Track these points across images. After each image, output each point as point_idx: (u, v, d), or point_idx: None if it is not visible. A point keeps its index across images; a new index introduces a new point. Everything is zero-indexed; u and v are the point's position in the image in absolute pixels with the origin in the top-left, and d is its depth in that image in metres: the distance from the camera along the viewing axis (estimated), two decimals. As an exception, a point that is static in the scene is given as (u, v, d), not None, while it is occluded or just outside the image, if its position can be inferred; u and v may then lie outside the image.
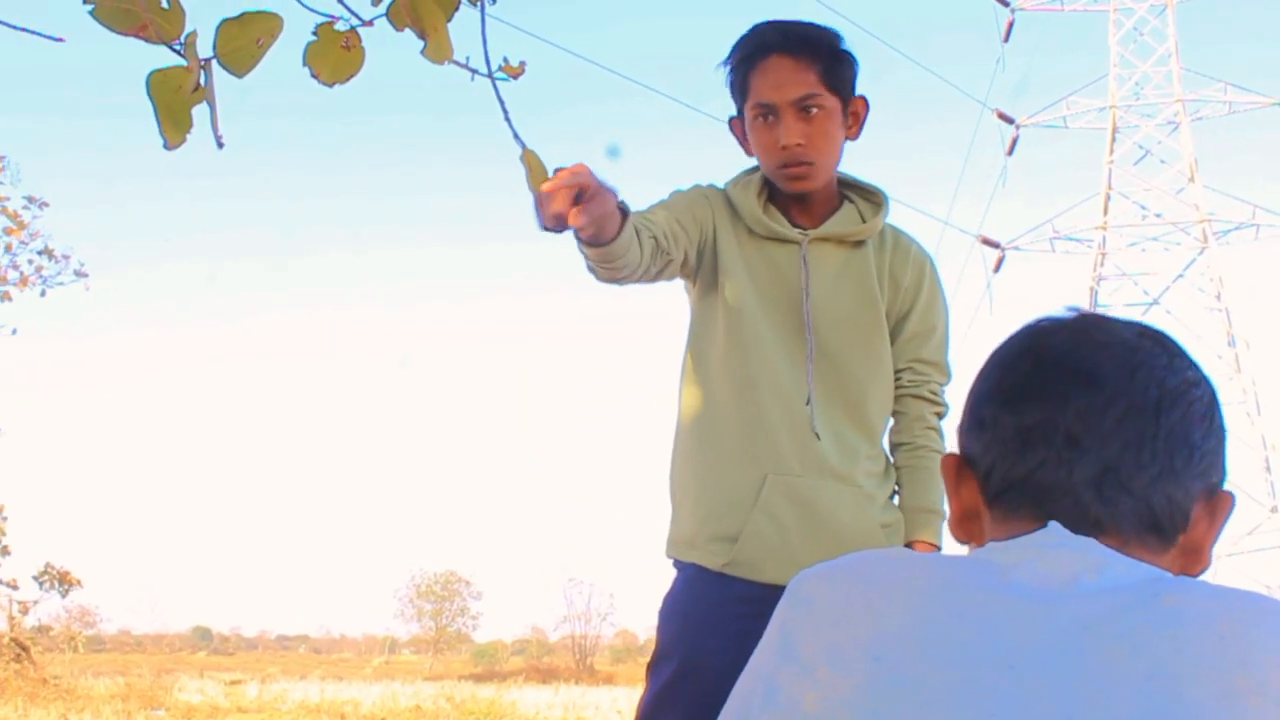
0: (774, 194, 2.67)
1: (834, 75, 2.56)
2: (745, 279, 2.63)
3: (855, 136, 2.63)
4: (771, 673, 1.07)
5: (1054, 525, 1.10)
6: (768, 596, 2.52)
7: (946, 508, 2.59)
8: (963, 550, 1.21)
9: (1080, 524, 1.11)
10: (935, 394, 2.70)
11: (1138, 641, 1.00)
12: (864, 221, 2.66)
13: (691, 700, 2.51)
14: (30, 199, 17.02)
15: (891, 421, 2.72)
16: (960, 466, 1.20)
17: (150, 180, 66.10)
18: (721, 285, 2.63)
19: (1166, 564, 1.13)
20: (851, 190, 2.71)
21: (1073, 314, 1.19)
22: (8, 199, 16.91)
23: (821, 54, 2.56)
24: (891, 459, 2.72)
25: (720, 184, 2.71)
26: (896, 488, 2.70)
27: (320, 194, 68.81)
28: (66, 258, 17.25)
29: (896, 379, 2.68)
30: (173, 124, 1.73)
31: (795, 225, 2.64)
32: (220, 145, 1.71)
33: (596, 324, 68.04)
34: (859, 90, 2.62)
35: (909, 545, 2.60)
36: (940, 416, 2.71)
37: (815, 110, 2.54)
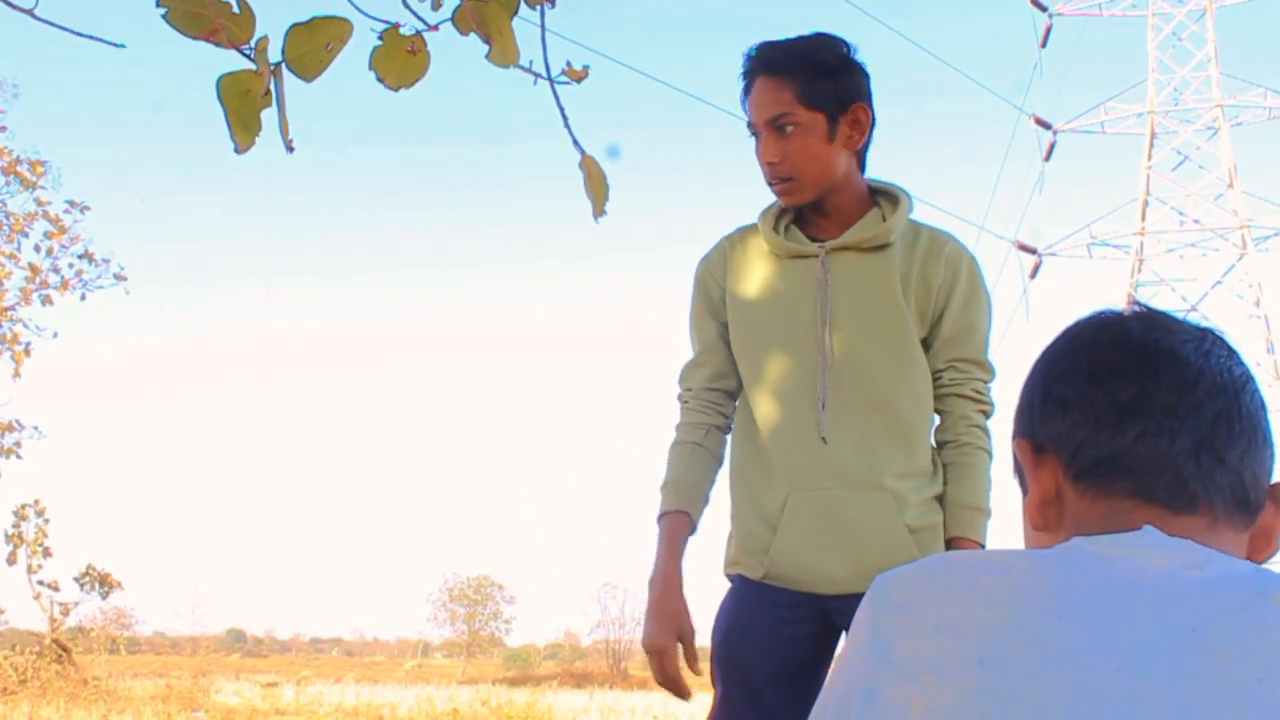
0: (800, 211, 2.72)
1: (813, 91, 2.59)
2: (761, 306, 2.70)
3: (858, 145, 2.65)
4: (867, 678, 1.05)
5: (1149, 528, 1.10)
6: (805, 604, 2.60)
7: (990, 505, 2.62)
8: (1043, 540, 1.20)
9: (1177, 499, 1.12)
10: (979, 392, 2.69)
11: (1247, 644, 0.99)
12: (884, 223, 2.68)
13: (744, 707, 2.61)
14: (71, 203, 17.11)
15: (937, 421, 2.73)
16: (1035, 450, 1.20)
17: (190, 181, 66.55)
18: (736, 324, 2.74)
19: (1246, 548, 1.15)
20: (881, 195, 2.73)
21: (1135, 307, 1.22)
22: (49, 203, 17.03)
23: (799, 72, 2.59)
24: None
25: (729, 233, 2.81)
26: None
27: (364, 203, 69.18)
28: (106, 261, 17.37)
29: (938, 378, 2.68)
30: (242, 128, 1.75)
31: (818, 239, 2.69)
32: (290, 150, 1.73)
33: (637, 326, 68.13)
34: (861, 96, 2.64)
35: (949, 542, 2.62)
36: (986, 415, 2.70)
37: (790, 128, 2.60)
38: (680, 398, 2.80)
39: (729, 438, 2.78)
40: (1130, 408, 1.14)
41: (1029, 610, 1.02)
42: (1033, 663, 0.99)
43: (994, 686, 0.99)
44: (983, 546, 2.61)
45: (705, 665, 2.69)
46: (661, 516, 2.69)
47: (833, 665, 1.15)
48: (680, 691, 2.58)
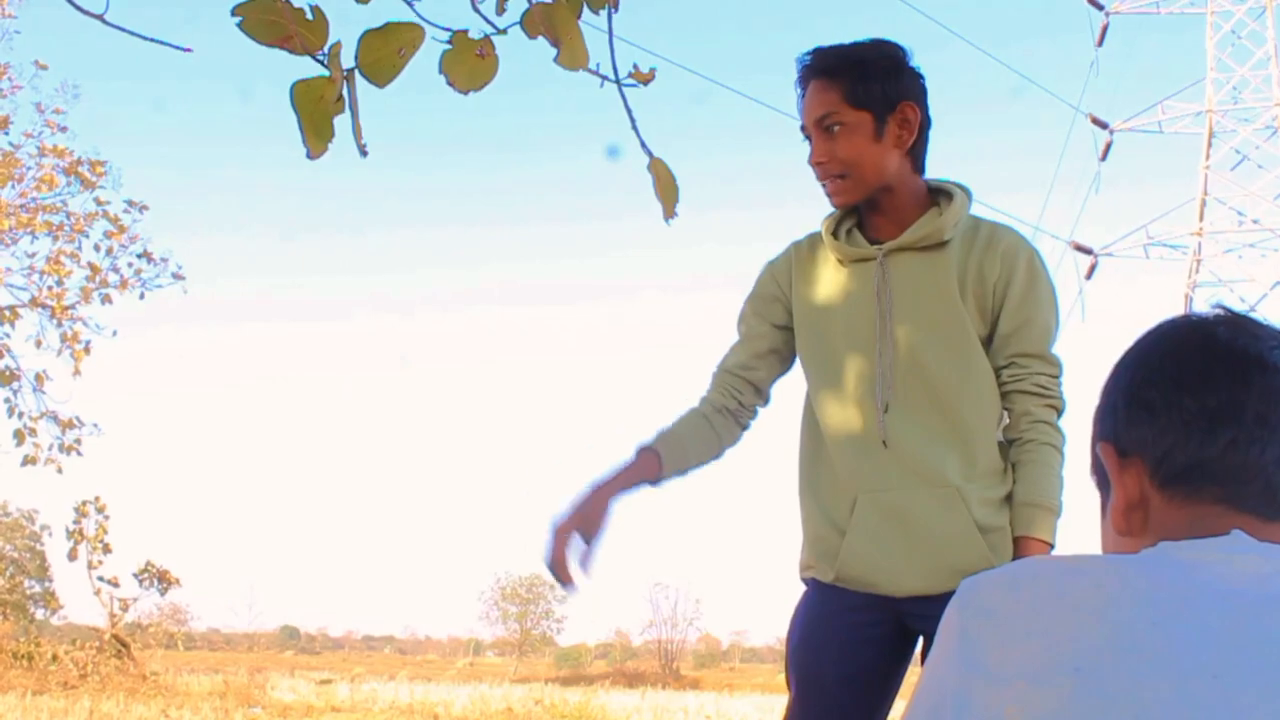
0: (860, 215, 2.73)
1: (859, 90, 2.60)
2: (823, 311, 2.71)
3: (909, 144, 2.64)
4: (958, 684, 1.04)
5: (1237, 533, 1.09)
6: (877, 605, 2.60)
7: (1059, 503, 2.58)
8: (1127, 545, 1.19)
9: (1268, 506, 1.12)
10: (1043, 386, 2.63)
11: None
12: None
13: (817, 710, 2.62)
14: (130, 203, 17.26)
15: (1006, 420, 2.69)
16: (1120, 454, 1.19)
17: (249, 175, 67.11)
18: (801, 331, 2.75)
19: None
20: (939, 194, 2.72)
21: (1219, 311, 1.21)
22: (108, 203, 17.19)
23: (844, 72, 2.61)
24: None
25: (797, 239, 2.83)
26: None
27: (403, 198, 69.49)
28: (165, 260, 17.50)
29: (1000, 375, 2.64)
30: (315, 133, 1.76)
31: (878, 242, 2.68)
32: (364, 154, 1.74)
33: (682, 326, 68.07)
34: (910, 96, 2.63)
35: (1014, 541, 2.57)
36: (1056, 410, 2.64)
37: (837, 127, 2.61)
38: (711, 374, 2.82)
39: (743, 426, 2.79)
40: (1220, 415, 1.13)
41: (1122, 617, 1.02)
42: (1128, 670, 0.98)
43: (1090, 694, 0.98)
44: (1051, 545, 2.57)
45: (781, 667, 2.72)
46: (635, 449, 2.65)
47: (921, 671, 1.13)
48: (561, 576, 2.46)
